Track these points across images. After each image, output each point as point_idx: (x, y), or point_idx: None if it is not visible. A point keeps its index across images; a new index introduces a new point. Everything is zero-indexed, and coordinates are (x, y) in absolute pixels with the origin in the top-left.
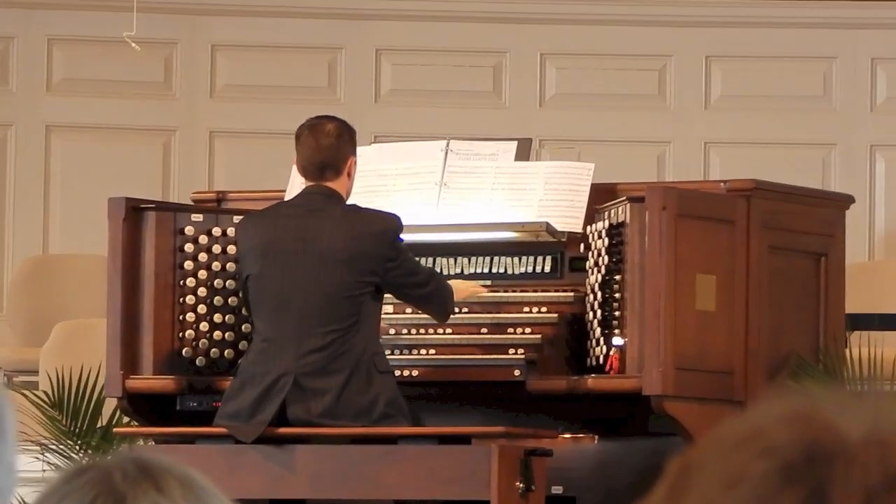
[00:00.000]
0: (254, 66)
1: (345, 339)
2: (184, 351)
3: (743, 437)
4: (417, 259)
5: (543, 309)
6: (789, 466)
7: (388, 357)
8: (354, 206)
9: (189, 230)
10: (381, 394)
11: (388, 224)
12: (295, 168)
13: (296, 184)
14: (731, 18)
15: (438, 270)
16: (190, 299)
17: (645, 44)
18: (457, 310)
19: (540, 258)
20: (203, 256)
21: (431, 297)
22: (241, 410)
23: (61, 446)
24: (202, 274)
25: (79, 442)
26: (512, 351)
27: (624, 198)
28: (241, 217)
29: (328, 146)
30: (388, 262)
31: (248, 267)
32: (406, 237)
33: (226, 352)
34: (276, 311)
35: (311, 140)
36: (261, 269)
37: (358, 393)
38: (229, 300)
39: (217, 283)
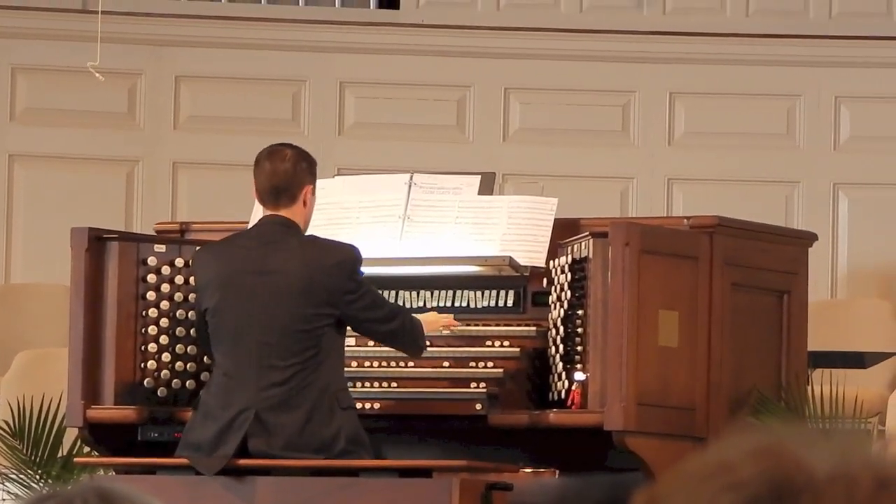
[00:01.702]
0: (218, 97)
1: (305, 373)
2: (145, 381)
3: (710, 471)
4: (382, 294)
5: (506, 343)
6: (756, 501)
7: (350, 389)
8: (312, 237)
9: (152, 261)
10: (342, 428)
11: (346, 255)
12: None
13: (258, 215)
14: (696, 55)
15: (401, 304)
16: (152, 330)
17: (609, 79)
18: (428, 343)
19: (503, 292)
20: (166, 287)
21: (398, 333)
22: (202, 443)
23: (22, 476)
24: (164, 304)
25: (39, 471)
26: (474, 385)
27: (587, 233)
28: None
29: (284, 171)
30: (347, 294)
31: (206, 300)
32: (369, 270)
33: (187, 382)
34: (235, 345)
35: (268, 165)
36: (217, 302)
37: (319, 427)
38: (191, 331)
39: (179, 313)
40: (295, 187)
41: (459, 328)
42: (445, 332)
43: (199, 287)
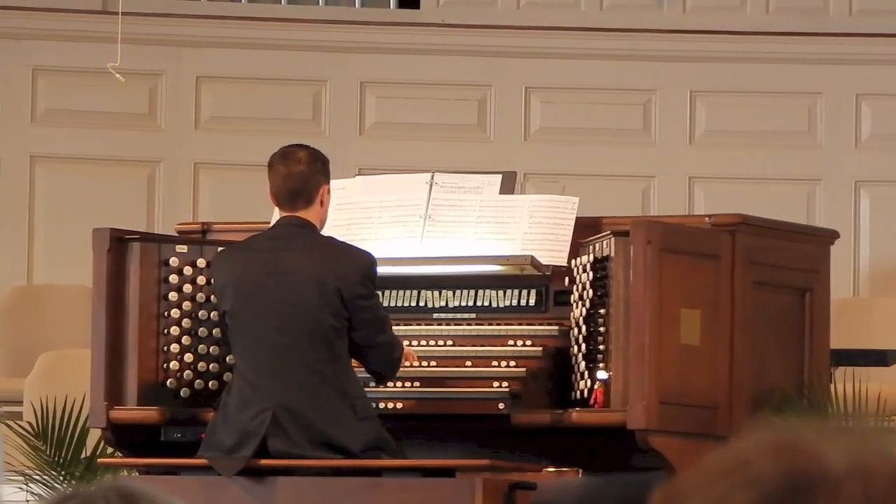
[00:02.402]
0: (239, 98)
1: (322, 375)
2: (168, 382)
3: (726, 467)
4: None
5: (528, 342)
6: (772, 496)
7: (373, 388)
8: (328, 240)
9: (173, 261)
10: (361, 438)
11: (362, 261)
12: None
13: (278, 216)
14: (717, 53)
15: (423, 304)
16: (174, 330)
17: (630, 78)
18: (442, 343)
19: (524, 291)
20: (187, 287)
21: (384, 345)
22: (222, 444)
23: (45, 476)
24: (186, 305)
25: (63, 472)
26: (496, 384)
27: (608, 232)
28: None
29: (299, 174)
30: (360, 299)
31: (224, 303)
32: (390, 270)
33: (210, 383)
34: (252, 348)
35: (283, 168)
36: (234, 305)
37: (338, 433)
38: (213, 331)
39: (201, 314)
40: (311, 189)
41: (481, 328)
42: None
43: (218, 290)
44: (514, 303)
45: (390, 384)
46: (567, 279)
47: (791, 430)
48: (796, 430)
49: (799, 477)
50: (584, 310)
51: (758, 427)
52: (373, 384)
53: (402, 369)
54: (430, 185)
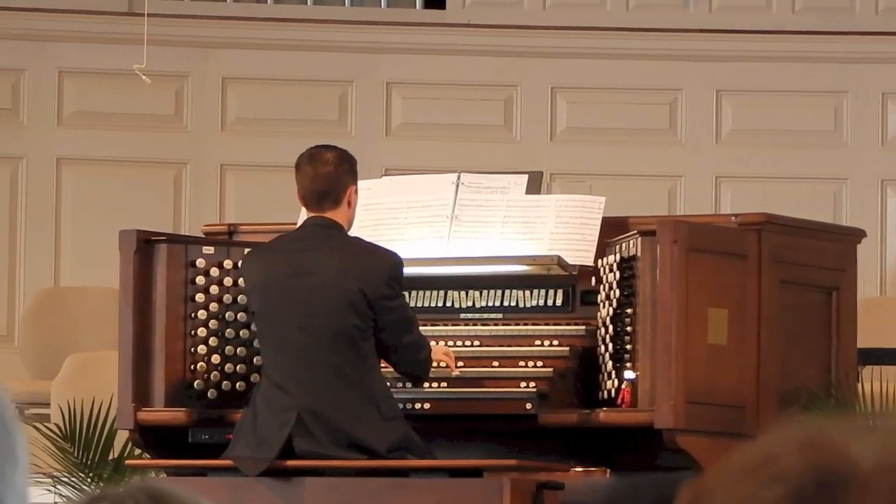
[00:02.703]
0: (264, 99)
1: (347, 376)
2: (195, 383)
3: (754, 463)
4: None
5: (555, 342)
6: (800, 493)
7: (400, 389)
8: (355, 240)
9: (200, 262)
10: (387, 438)
11: (388, 262)
12: None
13: (305, 217)
14: (742, 53)
15: (449, 304)
16: (201, 331)
17: (656, 78)
18: (469, 343)
19: (551, 291)
20: (214, 289)
21: (409, 346)
22: (248, 444)
23: (73, 478)
24: (213, 306)
25: (90, 474)
26: (523, 384)
27: (635, 231)
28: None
29: (327, 174)
30: (386, 300)
31: (252, 303)
32: (417, 270)
33: (237, 384)
34: (278, 348)
35: (310, 169)
36: (261, 305)
37: (364, 433)
38: (241, 332)
39: (228, 315)
40: (339, 190)
41: (508, 328)
42: (487, 332)
43: (247, 291)
44: (541, 303)
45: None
46: (594, 279)
47: (818, 427)
48: (823, 427)
49: (827, 473)
50: (610, 309)
51: (784, 424)
52: (400, 385)
53: (440, 370)
54: (457, 186)
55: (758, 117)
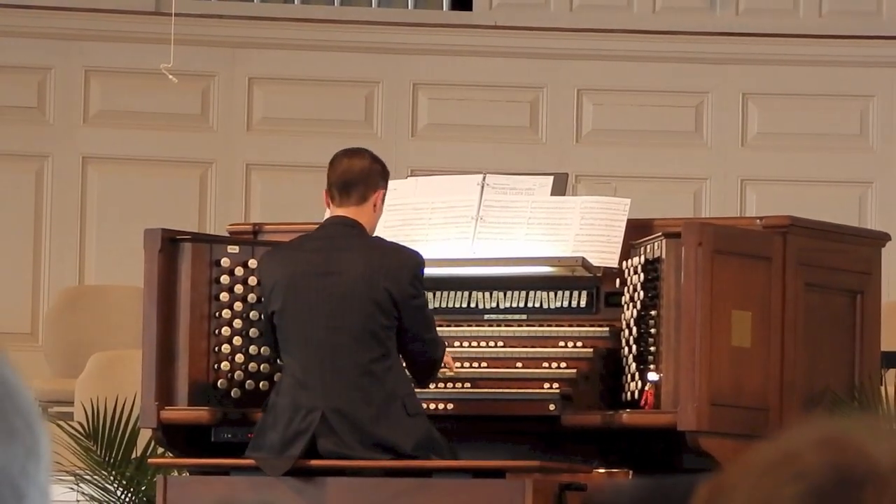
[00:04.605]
0: (291, 99)
1: (371, 375)
2: (219, 382)
3: (774, 461)
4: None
5: (579, 344)
6: (820, 491)
7: (424, 389)
8: (377, 240)
9: (225, 262)
10: (411, 434)
11: (413, 261)
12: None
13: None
14: (769, 56)
15: (474, 305)
16: (225, 331)
17: (682, 80)
18: (492, 344)
19: (575, 293)
20: (239, 288)
21: (429, 343)
22: (271, 444)
23: (96, 477)
24: (238, 305)
25: (113, 472)
26: (547, 385)
27: (660, 233)
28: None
29: (360, 167)
30: (411, 298)
31: (272, 303)
32: (441, 271)
33: (260, 383)
34: (302, 348)
35: (345, 161)
36: (283, 304)
37: (387, 431)
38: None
39: (252, 314)
40: (368, 186)
41: (532, 329)
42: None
43: (266, 290)
44: (565, 304)
45: (440, 385)
46: (618, 281)
47: (837, 425)
48: (843, 426)
49: (847, 471)
50: (634, 311)
51: (804, 423)
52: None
53: (444, 372)
54: (482, 187)
55: (783, 120)
